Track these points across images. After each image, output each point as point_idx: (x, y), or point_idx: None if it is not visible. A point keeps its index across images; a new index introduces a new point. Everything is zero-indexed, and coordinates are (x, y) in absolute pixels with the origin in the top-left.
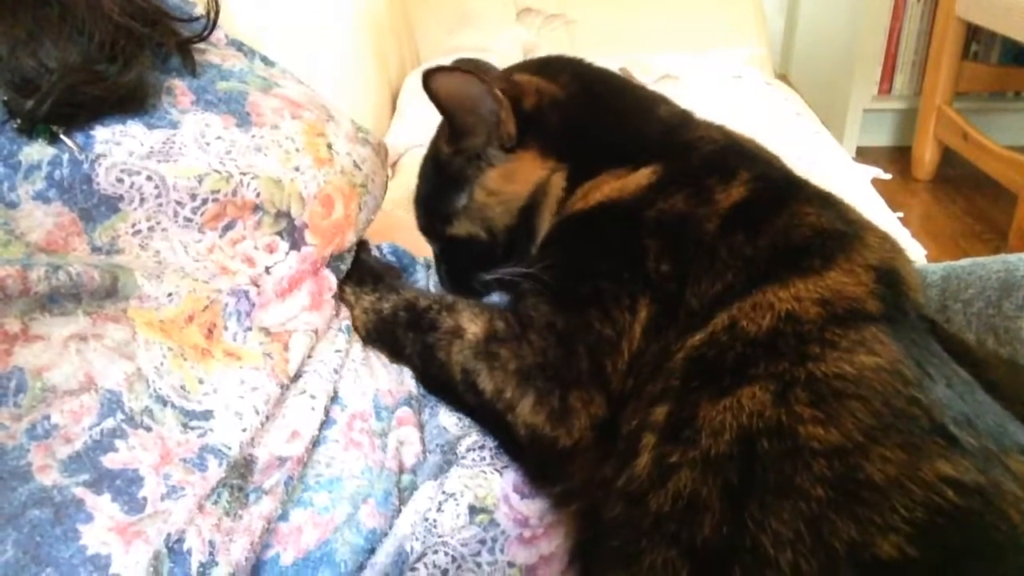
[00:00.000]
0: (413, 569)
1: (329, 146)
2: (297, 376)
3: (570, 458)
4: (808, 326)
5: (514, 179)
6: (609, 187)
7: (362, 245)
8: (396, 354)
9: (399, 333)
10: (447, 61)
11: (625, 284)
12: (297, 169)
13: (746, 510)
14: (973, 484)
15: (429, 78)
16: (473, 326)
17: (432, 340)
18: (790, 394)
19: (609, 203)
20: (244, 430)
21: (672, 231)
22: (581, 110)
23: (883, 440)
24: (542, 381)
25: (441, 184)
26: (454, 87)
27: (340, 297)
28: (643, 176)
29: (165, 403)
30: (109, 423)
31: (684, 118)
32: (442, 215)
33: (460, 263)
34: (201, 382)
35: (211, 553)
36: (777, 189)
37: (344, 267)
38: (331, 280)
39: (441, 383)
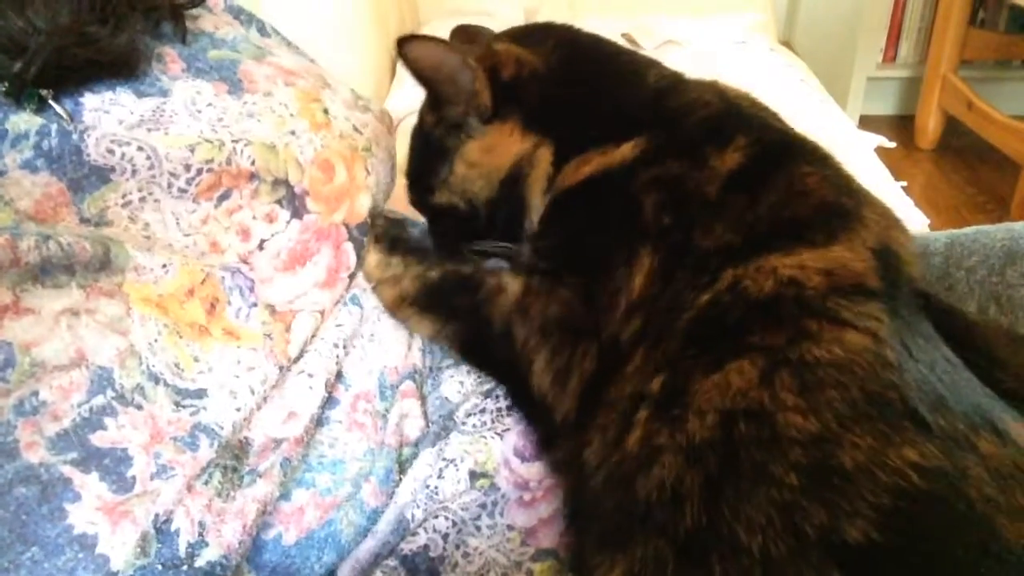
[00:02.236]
0: (414, 534)
1: (325, 111)
2: (297, 357)
3: (559, 432)
4: (811, 292)
5: (494, 152)
6: (596, 161)
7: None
8: (441, 318)
9: (448, 298)
10: (447, 25)
11: (624, 243)
12: (292, 134)
13: (723, 499)
14: (937, 469)
15: (402, 47)
16: (514, 283)
17: (480, 298)
18: (776, 376)
19: (597, 175)
20: (238, 410)
21: (670, 187)
22: (562, 83)
23: (855, 428)
24: (559, 335)
25: (425, 154)
26: (427, 56)
27: (363, 268)
28: (628, 148)
29: (157, 381)
30: (99, 400)
31: (674, 81)
32: (426, 186)
33: (446, 234)
34: (196, 360)
35: (200, 534)
36: (777, 152)
37: (366, 241)
38: (351, 258)
39: (483, 340)
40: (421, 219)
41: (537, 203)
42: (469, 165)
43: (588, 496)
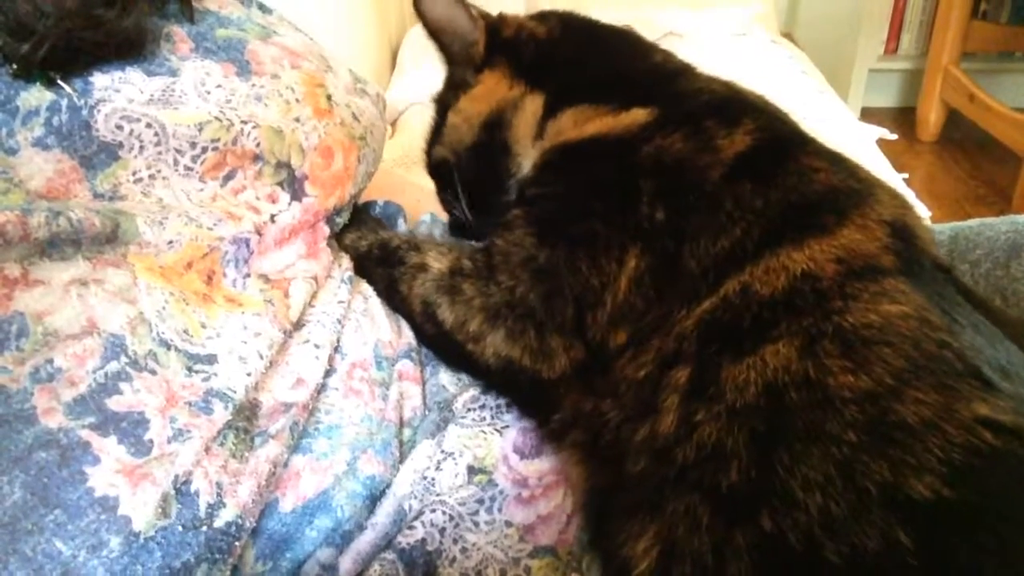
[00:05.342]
0: (411, 527)
1: (328, 97)
2: (301, 325)
3: (553, 387)
4: (827, 282)
5: (479, 99)
6: (601, 121)
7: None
8: (371, 286)
9: (371, 269)
10: None
11: (616, 230)
12: (297, 120)
13: (775, 456)
14: (1012, 425)
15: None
16: (438, 263)
17: (397, 274)
18: (818, 347)
19: (602, 137)
20: (249, 374)
21: (670, 173)
22: (561, 45)
23: (916, 383)
24: (512, 320)
25: (436, 120)
26: (438, 7)
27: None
28: (639, 115)
29: (169, 347)
30: (113, 366)
31: (684, 69)
32: (430, 149)
33: (442, 194)
34: (204, 326)
35: (219, 494)
36: (784, 141)
37: (341, 220)
38: (325, 230)
39: (403, 317)
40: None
41: (524, 148)
42: (457, 113)
43: (614, 474)
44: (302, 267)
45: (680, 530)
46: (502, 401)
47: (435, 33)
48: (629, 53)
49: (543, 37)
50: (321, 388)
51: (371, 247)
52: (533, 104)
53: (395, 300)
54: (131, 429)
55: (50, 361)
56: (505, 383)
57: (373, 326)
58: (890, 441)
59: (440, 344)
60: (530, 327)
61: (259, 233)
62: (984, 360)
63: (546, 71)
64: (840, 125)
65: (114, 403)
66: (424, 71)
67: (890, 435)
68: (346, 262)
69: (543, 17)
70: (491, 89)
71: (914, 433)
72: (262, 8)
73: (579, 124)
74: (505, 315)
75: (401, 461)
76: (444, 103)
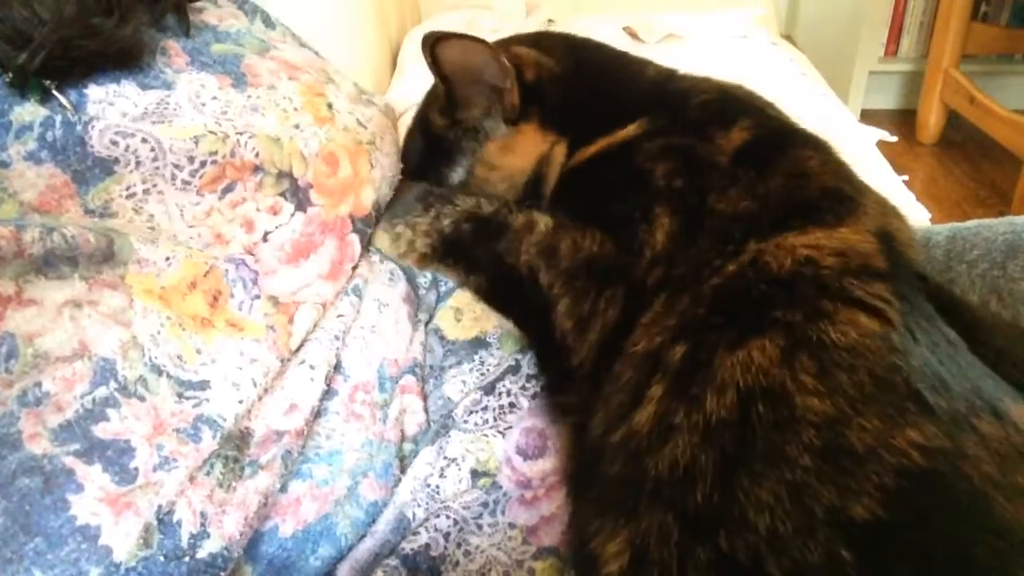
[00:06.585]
0: (415, 534)
1: (329, 105)
2: (299, 347)
3: (571, 377)
4: (826, 272)
5: (515, 152)
6: (601, 142)
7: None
8: (462, 270)
9: (468, 250)
10: (445, 23)
11: (637, 203)
12: (297, 127)
13: (736, 480)
14: (938, 448)
15: (434, 45)
16: (543, 219)
17: (503, 246)
18: (796, 358)
19: (604, 149)
20: (240, 401)
21: (679, 155)
22: (577, 84)
23: (864, 410)
24: (584, 280)
25: (432, 158)
26: (459, 55)
27: (372, 243)
28: (632, 128)
29: (160, 372)
30: (102, 392)
31: (670, 73)
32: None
33: None
34: (199, 352)
35: (203, 524)
36: (777, 136)
37: (372, 231)
38: (355, 249)
39: (512, 284)
40: None
41: (549, 190)
42: (490, 168)
43: (590, 459)
44: (316, 289)
45: (652, 541)
46: (504, 402)
47: (451, 78)
48: (629, 75)
49: (558, 73)
50: (322, 412)
51: (457, 224)
52: (560, 153)
53: (501, 272)
54: (116, 457)
55: (38, 384)
56: (553, 364)
57: (381, 342)
58: (838, 466)
59: (537, 313)
60: (593, 287)
61: (251, 254)
62: (928, 381)
63: (567, 115)
64: (840, 127)
65: (100, 430)
66: (425, 73)
67: (839, 461)
68: (360, 270)
69: (547, 48)
70: (529, 142)
71: (858, 459)
72: (266, 22)
73: (585, 150)
74: (579, 275)
75: (402, 473)
76: (451, 144)
